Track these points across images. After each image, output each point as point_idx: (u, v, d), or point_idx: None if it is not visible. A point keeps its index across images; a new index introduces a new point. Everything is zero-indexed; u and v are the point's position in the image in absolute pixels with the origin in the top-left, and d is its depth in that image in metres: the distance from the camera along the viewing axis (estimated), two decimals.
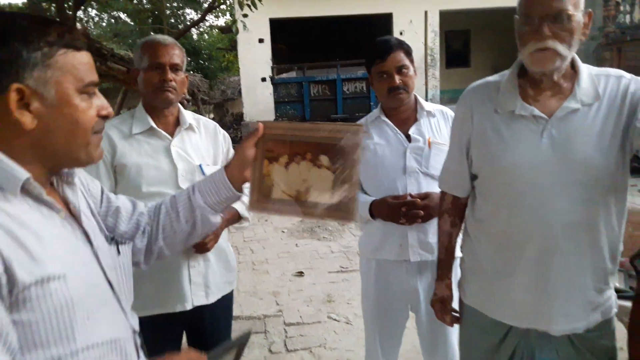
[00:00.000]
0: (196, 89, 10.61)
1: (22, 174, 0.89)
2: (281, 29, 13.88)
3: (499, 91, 1.55)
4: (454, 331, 2.00)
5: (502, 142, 1.51)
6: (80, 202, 1.05)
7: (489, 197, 1.59)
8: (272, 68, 11.06)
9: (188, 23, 13.28)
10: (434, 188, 1.99)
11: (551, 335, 1.53)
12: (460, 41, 16.67)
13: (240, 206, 2.04)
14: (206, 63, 20.03)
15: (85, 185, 1.15)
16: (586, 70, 1.49)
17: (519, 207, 1.49)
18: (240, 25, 8.57)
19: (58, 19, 0.95)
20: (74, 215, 1.00)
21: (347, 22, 14.20)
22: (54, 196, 0.99)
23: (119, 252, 1.10)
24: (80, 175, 1.13)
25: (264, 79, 12.50)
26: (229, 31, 14.44)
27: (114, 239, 1.12)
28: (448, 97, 13.49)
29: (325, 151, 1.20)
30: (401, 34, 13.33)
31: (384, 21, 13.72)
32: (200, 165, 1.96)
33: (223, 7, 10.20)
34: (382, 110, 2.20)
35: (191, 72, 14.32)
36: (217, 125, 2.14)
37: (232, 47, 16.82)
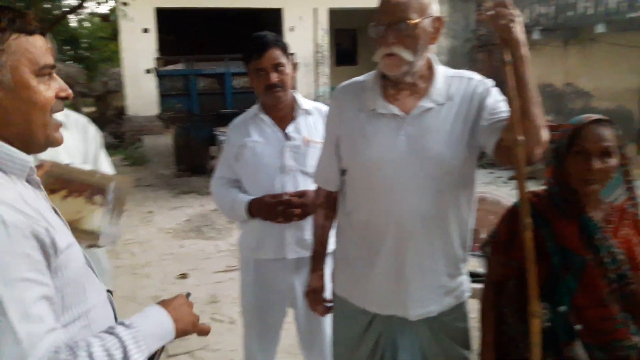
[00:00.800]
0: (73, 80, 9.82)
1: (28, 158, 0.98)
2: (168, 19, 13.31)
3: (364, 90, 1.62)
4: (330, 325, 2.04)
5: (365, 139, 1.58)
6: None
7: (355, 190, 1.66)
8: (157, 60, 10.55)
9: (65, 9, 12.21)
10: (311, 186, 2.02)
11: (410, 320, 1.62)
12: (349, 39, 17.17)
13: None
14: (86, 53, 18.59)
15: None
16: (441, 71, 1.59)
17: (379, 198, 1.57)
18: (120, 14, 8.08)
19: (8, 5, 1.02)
20: None
21: (238, 15, 13.99)
22: None
23: None
24: None
25: (148, 71, 11.88)
26: (109, 19, 13.57)
27: None
28: None
29: (98, 192, 1.54)
30: (291, 30, 13.41)
31: (274, 16, 13.71)
32: (69, 164, 1.82)
33: None
34: (261, 107, 2.18)
35: (69, 62, 13.26)
36: (88, 120, 2.02)
37: (115, 36, 15.82)
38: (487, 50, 12.54)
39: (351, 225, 1.69)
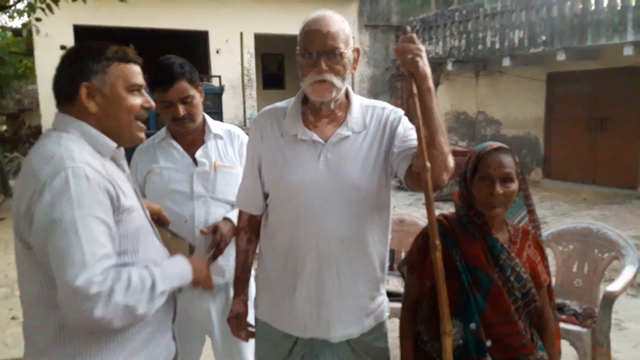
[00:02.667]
0: None
1: (113, 143, 1.38)
2: (88, 37, 12.77)
3: (285, 116, 1.66)
4: (250, 350, 2.01)
5: (286, 163, 1.62)
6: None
7: (277, 213, 1.68)
8: None
9: None
10: (222, 212, 2.00)
11: (331, 342, 1.66)
12: (276, 64, 17.32)
13: None
14: None
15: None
16: (357, 101, 1.67)
17: (300, 222, 1.60)
18: (34, 30, 7.66)
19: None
20: None
21: (162, 36, 13.72)
22: None
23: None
24: None
25: None
26: (21, 34, 12.80)
27: None
28: None
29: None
30: (218, 52, 13.34)
31: (200, 38, 13.59)
32: None
33: (20, 6, 8.95)
34: (169, 131, 2.12)
35: None
36: None
37: (30, 52, 14.93)
38: (406, 79, 13.12)
39: (273, 249, 1.70)
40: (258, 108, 14.05)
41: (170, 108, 1.99)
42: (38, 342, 1.30)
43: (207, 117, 2.16)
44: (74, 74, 1.35)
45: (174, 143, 2.09)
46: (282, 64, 17.35)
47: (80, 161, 1.24)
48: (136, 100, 1.39)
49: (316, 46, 1.52)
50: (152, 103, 1.44)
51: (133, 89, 1.39)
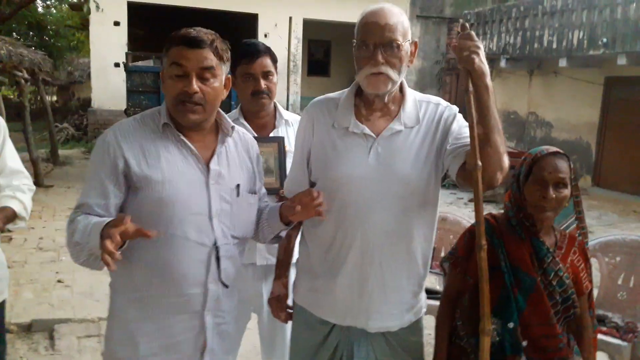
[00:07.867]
0: (37, 68, 9.49)
1: (161, 120, 1.53)
2: (141, 14, 13.10)
3: (337, 108, 1.67)
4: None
5: (336, 154, 1.62)
6: (223, 150, 1.61)
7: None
8: (127, 54, 10.36)
9: None
10: None
11: (368, 332, 1.67)
12: (322, 51, 17.29)
13: (17, 204, 1.95)
14: (52, 40, 17.96)
15: (245, 150, 1.70)
16: (411, 96, 1.66)
17: (346, 214, 1.61)
18: (92, 6, 7.90)
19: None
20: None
21: (212, 17, 13.87)
22: (205, 140, 1.58)
23: (238, 194, 1.61)
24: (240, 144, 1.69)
25: (117, 65, 11.63)
26: (80, 9, 13.19)
27: (238, 186, 1.62)
28: (308, 103, 13.80)
29: None
30: (266, 36, 13.41)
31: (250, 21, 13.69)
32: None
33: None
34: (241, 112, 2.19)
35: (33, 48, 12.78)
36: None
37: (84, 26, 15.38)
38: (455, 74, 12.88)
39: (316, 237, 1.72)
40: (301, 94, 14.09)
41: (252, 81, 2.10)
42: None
43: (278, 105, 2.25)
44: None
45: (246, 124, 2.16)
46: (329, 51, 17.30)
47: (114, 128, 1.51)
48: (175, 85, 1.47)
49: (374, 38, 1.52)
50: (193, 88, 1.44)
51: (172, 71, 1.47)
